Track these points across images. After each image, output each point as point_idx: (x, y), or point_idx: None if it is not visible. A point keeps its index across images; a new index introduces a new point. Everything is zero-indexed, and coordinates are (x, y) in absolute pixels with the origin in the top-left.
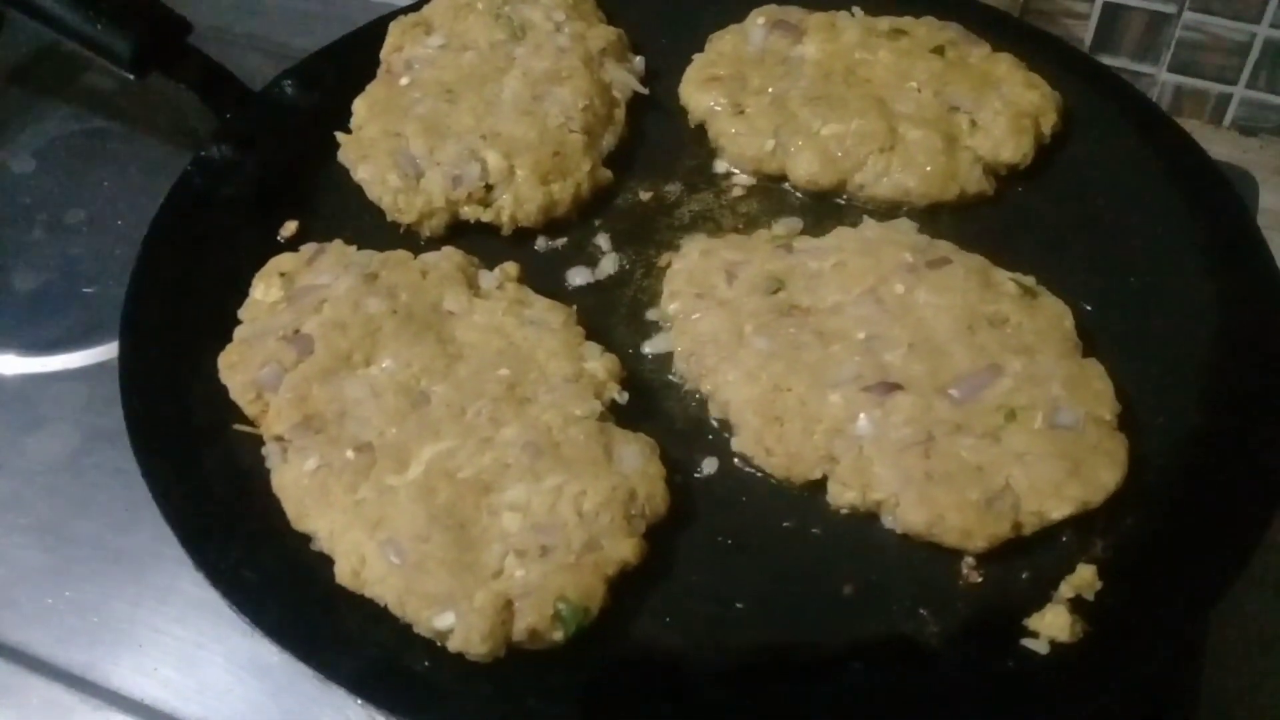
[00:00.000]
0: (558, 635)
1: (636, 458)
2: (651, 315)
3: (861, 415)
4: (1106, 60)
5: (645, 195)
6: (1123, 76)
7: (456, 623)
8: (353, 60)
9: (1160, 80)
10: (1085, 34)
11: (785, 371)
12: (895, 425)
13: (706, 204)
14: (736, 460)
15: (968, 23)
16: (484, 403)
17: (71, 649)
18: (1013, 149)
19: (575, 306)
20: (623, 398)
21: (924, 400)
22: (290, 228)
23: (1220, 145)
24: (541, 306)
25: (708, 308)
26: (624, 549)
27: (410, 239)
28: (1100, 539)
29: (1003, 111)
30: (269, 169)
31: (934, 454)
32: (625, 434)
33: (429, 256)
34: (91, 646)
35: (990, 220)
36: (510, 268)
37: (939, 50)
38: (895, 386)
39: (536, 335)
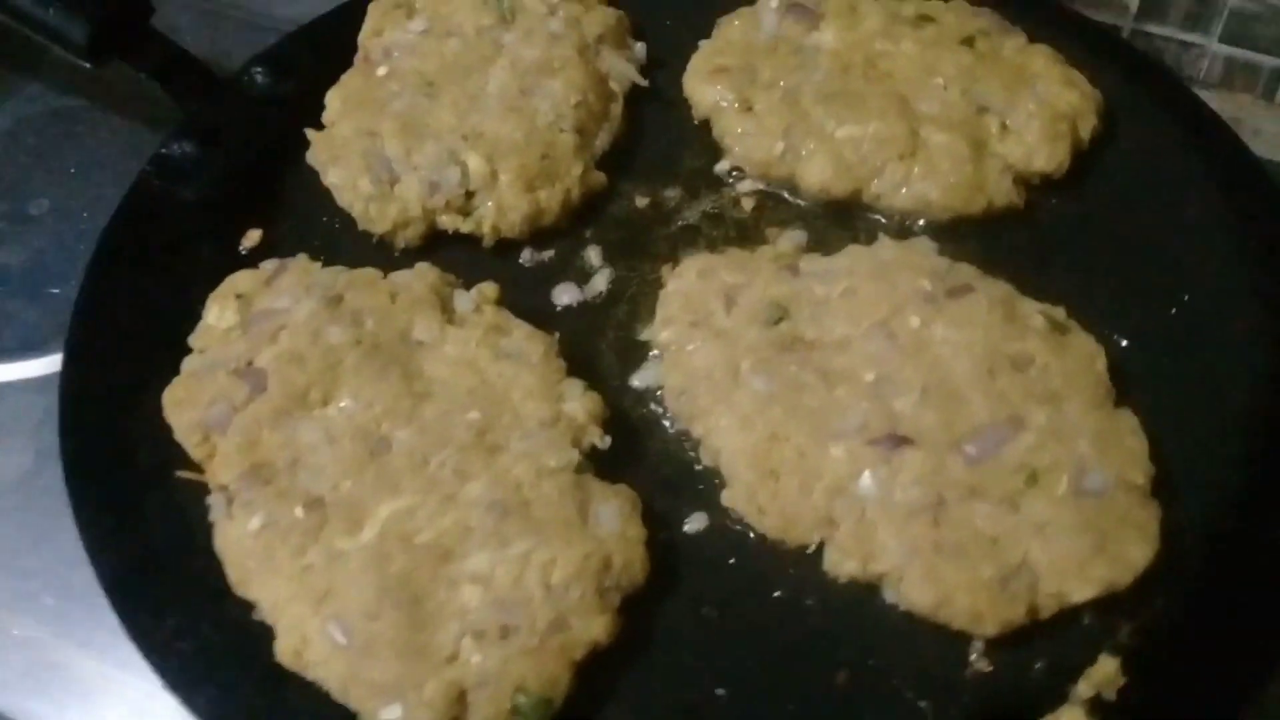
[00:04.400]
0: None
1: (614, 518)
2: (643, 335)
3: (866, 473)
4: (1153, 29)
5: (642, 201)
6: (1167, 64)
7: (403, 716)
8: (332, 43)
9: (1210, 51)
10: (1131, 0)
11: (784, 418)
12: (903, 485)
13: (708, 212)
14: (726, 518)
15: (1002, 7)
16: (449, 452)
17: (14, 694)
18: (1047, 157)
19: (558, 335)
20: (604, 443)
21: (936, 457)
22: (253, 238)
23: (1272, 124)
24: (520, 335)
25: (703, 339)
26: (595, 628)
27: (385, 249)
28: (1126, 622)
29: (1037, 114)
30: (234, 169)
31: (944, 522)
32: (604, 489)
33: (400, 276)
34: (35, 693)
35: (1019, 237)
36: (489, 289)
37: (969, 41)
38: (904, 440)
39: (513, 371)
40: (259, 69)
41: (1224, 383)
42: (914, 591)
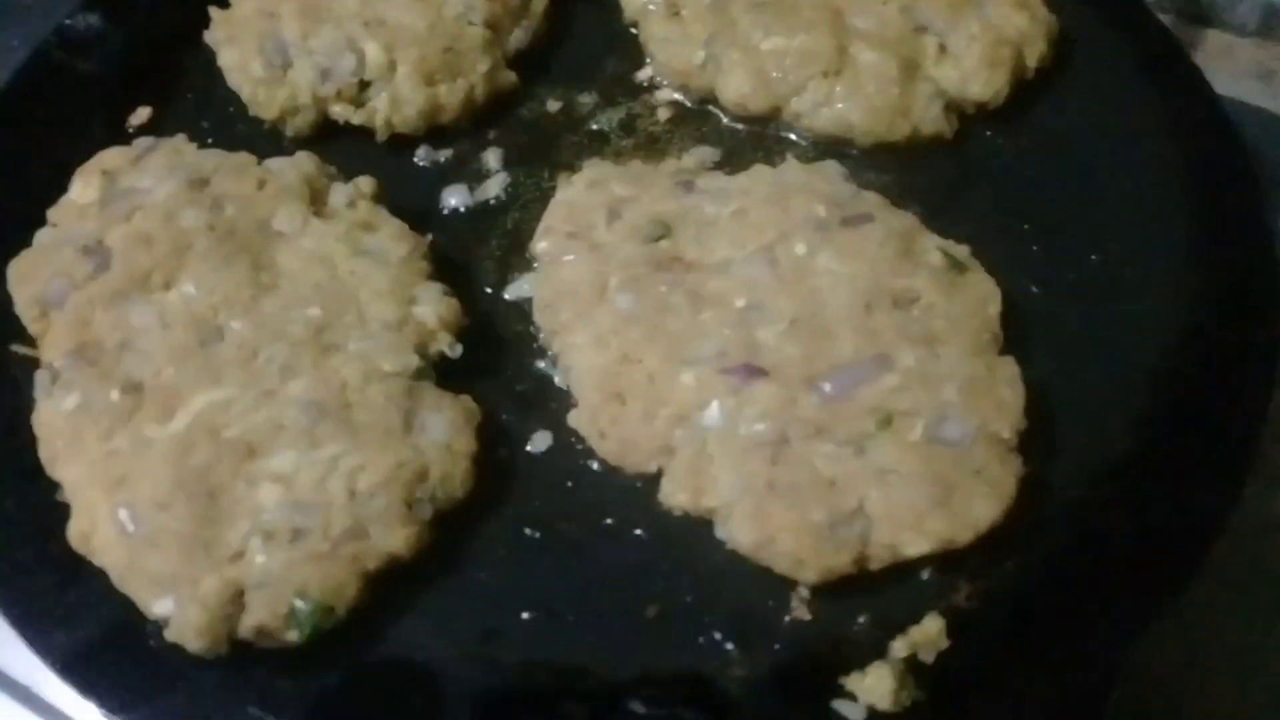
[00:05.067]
0: (292, 635)
1: (443, 429)
2: (528, 246)
3: (714, 403)
4: None
5: (554, 105)
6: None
7: (174, 611)
8: None
9: None
10: None
11: (640, 339)
12: (749, 419)
13: (620, 120)
14: (572, 438)
15: None
16: (281, 347)
17: None
18: (983, 84)
19: (430, 236)
20: (454, 351)
21: (788, 392)
22: (142, 115)
23: None
24: (386, 234)
25: (578, 251)
26: (395, 539)
27: (276, 137)
28: (968, 584)
29: (979, 37)
30: (137, 44)
31: (784, 460)
32: (440, 398)
33: (275, 163)
34: None
35: (944, 170)
36: (365, 184)
37: None
38: (759, 371)
39: (367, 269)
40: None
41: (1132, 342)
42: (739, 530)
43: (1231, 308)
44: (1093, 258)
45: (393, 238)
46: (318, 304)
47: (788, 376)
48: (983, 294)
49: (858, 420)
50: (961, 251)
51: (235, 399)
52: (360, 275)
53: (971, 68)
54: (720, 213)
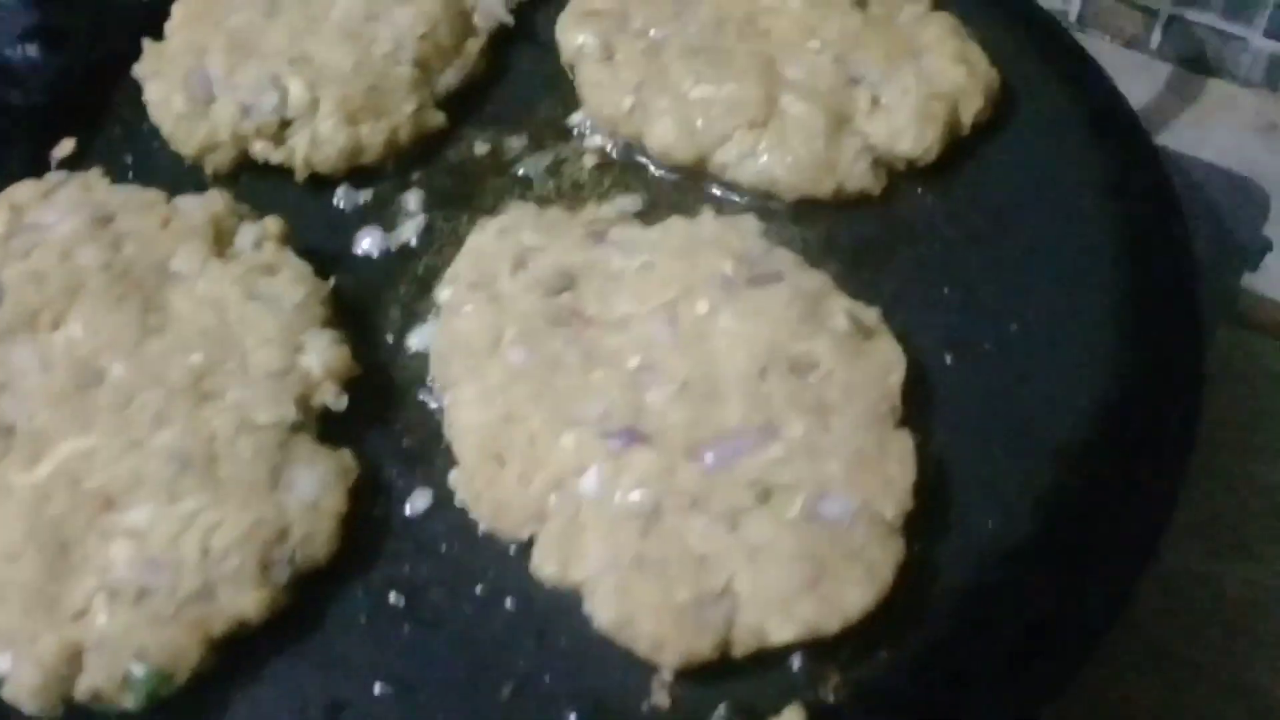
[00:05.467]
0: (128, 702)
1: (312, 485)
2: (435, 299)
3: (591, 468)
4: (1192, 17)
5: (481, 147)
6: (1077, 44)
7: (10, 669)
8: None
9: (1253, 46)
10: None
11: (526, 398)
12: (625, 487)
13: (547, 165)
14: (452, 499)
15: None
16: (157, 394)
17: None
18: (912, 140)
19: (334, 281)
20: (339, 403)
21: (667, 460)
22: (66, 147)
23: None
24: (286, 277)
25: (478, 302)
26: (244, 602)
27: (197, 173)
28: (838, 674)
29: (912, 90)
30: (69, 76)
31: (654, 533)
32: (314, 453)
33: (185, 201)
34: None
35: (870, 227)
36: (273, 225)
37: (862, 3)
38: (642, 437)
39: (257, 314)
40: None
41: (1040, 419)
42: (601, 607)
43: (1149, 392)
44: (1011, 327)
45: (291, 282)
46: (202, 349)
47: (670, 443)
48: (886, 362)
49: (735, 493)
50: (870, 316)
51: (101, 447)
52: (249, 321)
53: (902, 123)
54: (627, 266)
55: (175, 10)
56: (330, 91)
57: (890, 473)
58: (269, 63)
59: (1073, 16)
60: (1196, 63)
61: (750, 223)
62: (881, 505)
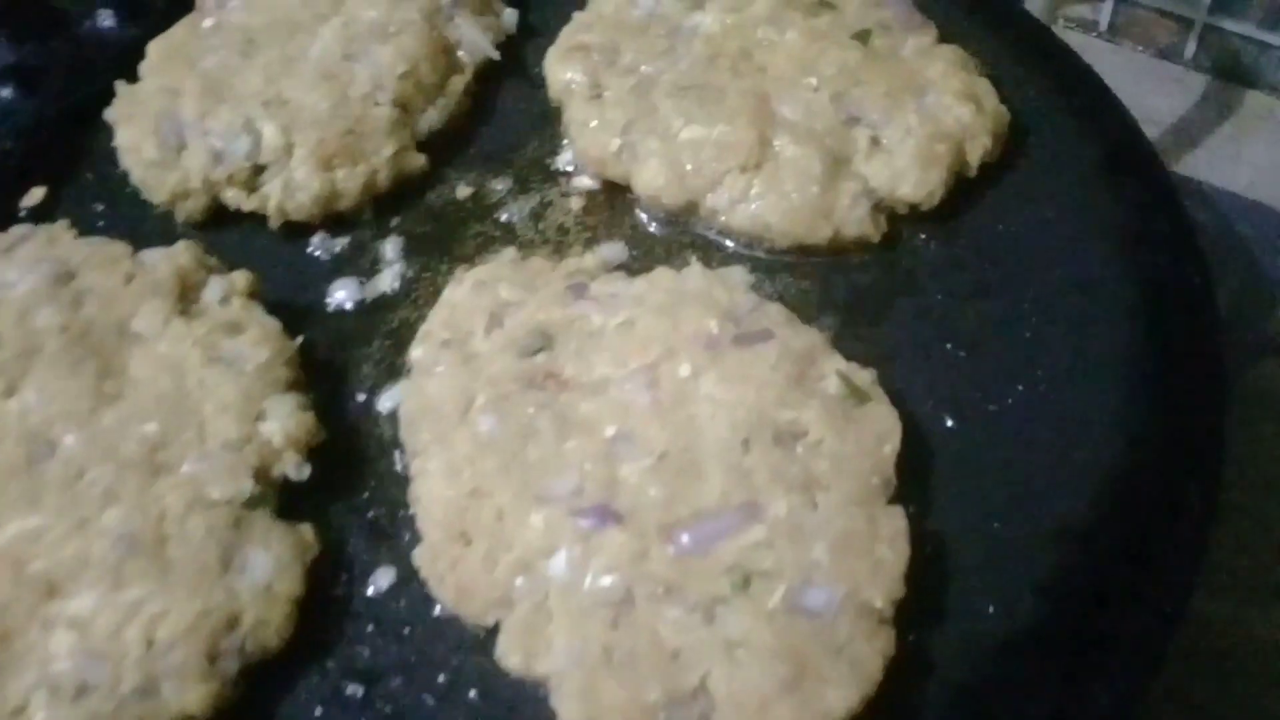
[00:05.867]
0: None
1: (265, 568)
2: (408, 357)
3: (560, 550)
4: (1228, 26)
5: (464, 191)
6: (1096, 74)
7: None
8: None
9: None
10: None
11: (495, 470)
12: (595, 572)
13: (532, 209)
14: (416, 579)
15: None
16: (108, 468)
17: None
18: (914, 184)
19: (301, 339)
20: (300, 473)
21: (640, 542)
22: (35, 195)
23: None
24: (250, 337)
25: (450, 362)
26: (188, 698)
27: (169, 223)
28: None
29: (915, 130)
30: (45, 119)
31: (625, 623)
32: (270, 530)
33: (150, 255)
34: None
35: (868, 276)
36: (240, 279)
37: (863, 35)
38: (614, 516)
39: (217, 379)
40: (107, 10)
41: (1047, 494)
42: (567, 704)
43: (1165, 462)
44: (1018, 387)
45: (255, 342)
46: (157, 418)
47: (644, 523)
48: (880, 430)
49: (713, 580)
50: (864, 378)
51: (48, 528)
52: (209, 386)
53: (903, 165)
54: (608, 323)
55: (150, 50)
56: (305, 136)
57: (880, 556)
58: (243, 106)
59: (1103, 26)
60: (1233, 74)
61: (739, 275)
62: (870, 593)
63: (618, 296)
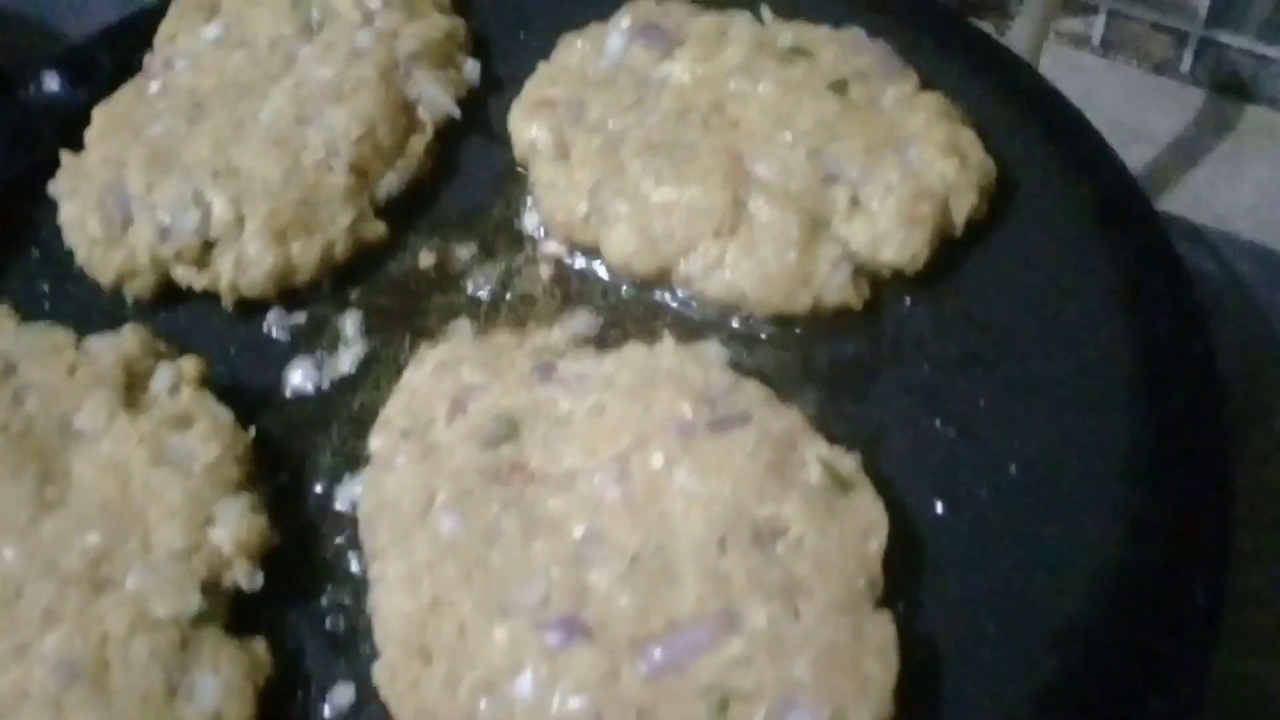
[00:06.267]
0: None
1: (214, 693)
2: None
3: (526, 669)
4: (1226, 39)
5: (427, 258)
6: (1089, 124)
7: None
8: (139, 46)
9: None
10: (1200, 4)
11: (457, 579)
12: (563, 692)
13: (498, 277)
14: (376, 697)
15: (914, 34)
16: (49, 585)
17: None
18: (897, 247)
19: (254, 431)
20: (253, 582)
21: (611, 660)
22: None
23: None
24: (199, 432)
25: (411, 454)
26: None
27: (119, 302)
28: None
29: (896, 188)
30: None
31: None
32: (220, 649)
33: (96, 343)
34: None
35: (851, 347)
36: (189, 366)
37: (840, 85)
38: (583, 629)
39: (163, 481)
40: (52, 73)
41: (1045, 590)
42: None
43: (1170, 554)
44: (1010, 469)
45: (204, 438)
46: (100, 528)
47: (615, 637)
48: (865, 523)
49: (687, 703)
50: (848, 465)
51: None
52: (155, 490)
53: (885, 227)
54: (576, 409)
55: (96, 116)
56: (257, 207)
57: (868, 671)
58: (191, 176)
59: (1095, 41)
60: (1231, 88)
61: (713, 351)
62: (857, 713)
63: (587, 378)
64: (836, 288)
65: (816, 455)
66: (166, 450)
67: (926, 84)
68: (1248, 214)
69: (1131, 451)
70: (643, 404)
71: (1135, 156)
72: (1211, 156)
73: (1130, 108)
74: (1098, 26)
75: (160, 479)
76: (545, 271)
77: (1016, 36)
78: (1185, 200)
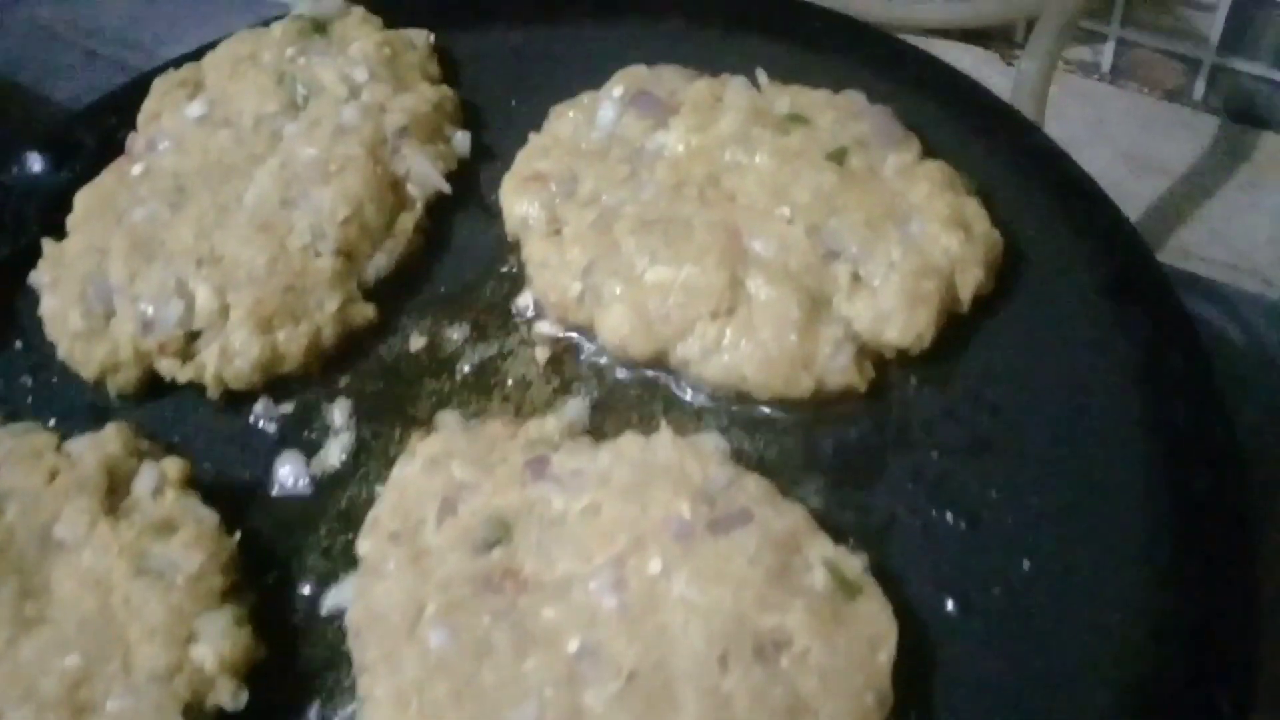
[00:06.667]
0: None
1: None
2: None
3: None
4: (1239, 65)
5: (418, 341)
6: (1100, 187)
7: None
8: (123, 124)
9: None
10: (1212, 31)
11: (447, 700)
12: None
13: (491, 360)
14: None
15: (918, 94)
16: (28, 711)
17: None
18: (901, 328)
19: (239, 536)
20: (237, 702)
21: None
22: None
23: None
24: (183, 539)
25: (400, 560)
26: None
27: (104, 394)
28: None
29: (899, 265)
30: None
31: None
32: None
33: (77, 444)
34: None
35: (855, 431)
36: (172, 468)
37: (839, 155)
38: None
39: (144, 595)
40: (34, 154)
41: (1064, 700)
42: None
43: (1193, 660)
44: (1024, 564)
45: (187, 545)
46: (80, 648)
47: None
48: (874, 633)
49: None
50: (854, 566)
51: None
52: (135, 605)
53: (888, 306)
54: (570, 508)
55: (77, 201)
56: (241, 296)
57: None
58: (174, 265)
59: (1105, 69)
60: (1245, 116)
61: (713, 443)
62: None
63: (581, 474)
64: (839, 370)
65: (821, 558)
66: (148, 560)
67: (929, 151)
68: (1266, 247)
69: (1150, 547)
70: (639, 503)
71: (1147, 188)
72: (1226, 187)
73: (1141, 137)
74: (1106, 54)
75: (141, 592)
76: (539, 353)
77: (1025, 71)
78: (1200, 234)
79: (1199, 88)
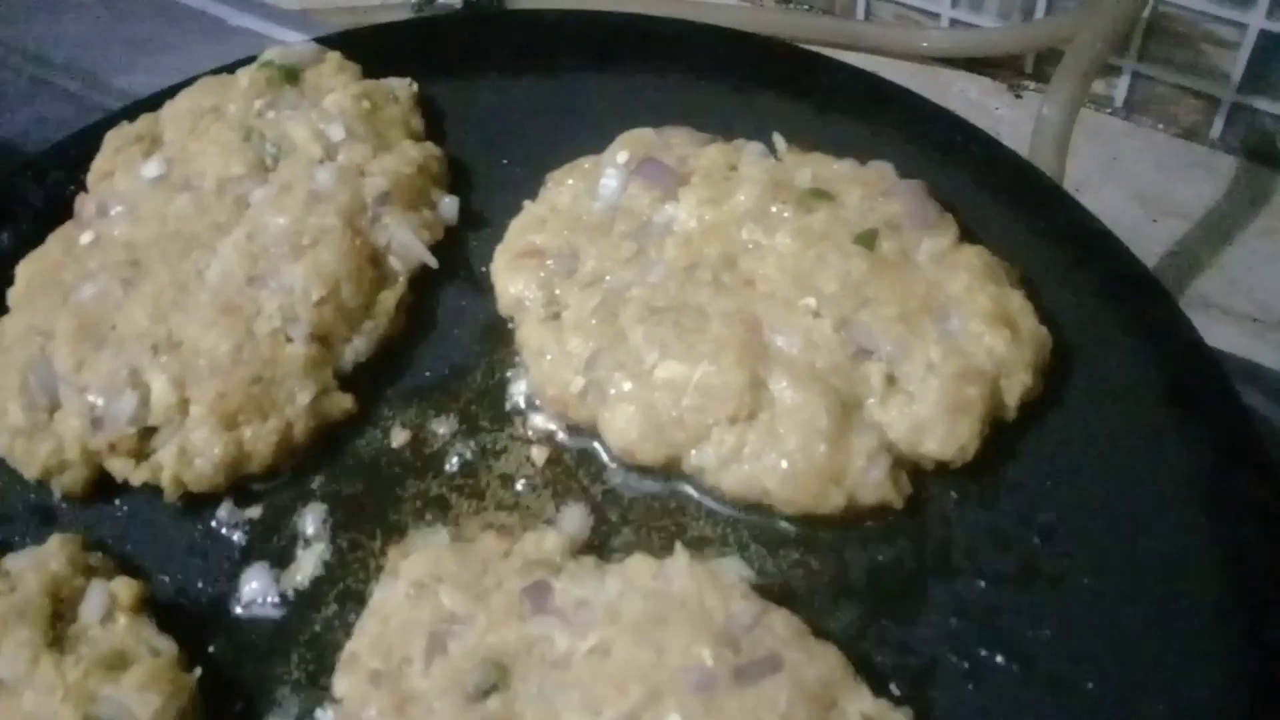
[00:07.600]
0: None
1: None
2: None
3: None
4: (1261, 105)
5: (400, 437)
6: (1154, 275)
7: None
8: (71, 181)
9: None
10: (1233, 68)
11: None
12: None
13: (482, 460)
14: None
15: (948, 163)
16: None
17: None
18: (941, 439)
19: (199, 673)
20: None
21: None
22: None
23: None
24: (136, 678)
25: (383, 704)
26: None
27: (49, 495)
28: None
29: (939, 367)
30: None
31: None
32: None
33: (17, 560)
34: None
35: (892, 553)
36: (124, 590)
37: (868, 238)
38: None
39: None
40: None
41: None
42: None
43: None
44: (1089, 685)
45: (141, 686)
46: None
47: None
48: None
49: None
50: None
51: None
52: None
53: (927, 415)
54: (575, 649)
55: (20, 273)
56: (203, 389)
57: None
58: (126, 351)
59: (1118, 102)
60: (1266, 156)
61: (735, 570)
62: None
63: (587, 606)
64: (873, 485)
65: (860, 714)
66: (98, 705)
67: (966, 232)
68: None
69: (1225, 699)
70: (654, 645)
71: (1163, 231)
72: (1247, 233)
73: (1156, 176)
74: (1121, 88)
75: None
76: (535, 453)
77: (1046, 119)
78: (1219, 282)
79: (1217, 125)
